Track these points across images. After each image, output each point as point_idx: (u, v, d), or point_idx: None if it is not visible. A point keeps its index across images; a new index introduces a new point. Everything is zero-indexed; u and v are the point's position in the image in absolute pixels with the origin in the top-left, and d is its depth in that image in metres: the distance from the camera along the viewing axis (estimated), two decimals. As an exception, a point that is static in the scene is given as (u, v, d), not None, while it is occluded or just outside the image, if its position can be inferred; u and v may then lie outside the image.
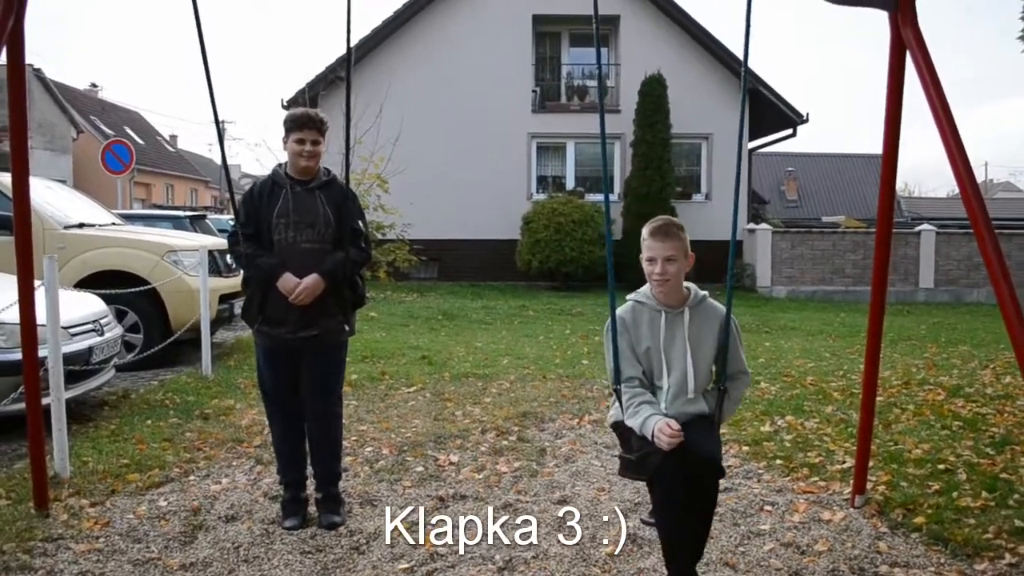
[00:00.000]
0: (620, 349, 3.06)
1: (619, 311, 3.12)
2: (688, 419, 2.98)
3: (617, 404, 3.10)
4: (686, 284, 3.12)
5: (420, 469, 4.74)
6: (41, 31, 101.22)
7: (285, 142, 3.89)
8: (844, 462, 4.79)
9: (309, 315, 3.82)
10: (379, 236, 15.58)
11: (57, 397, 4.49)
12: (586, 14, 18.26)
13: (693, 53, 18.85)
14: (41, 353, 4.06)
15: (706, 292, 3.18)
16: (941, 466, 4.71)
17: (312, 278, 3.77)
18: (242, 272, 4.01)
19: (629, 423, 3.00)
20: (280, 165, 4.02)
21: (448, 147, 18.36)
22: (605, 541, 3.71)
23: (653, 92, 17.63)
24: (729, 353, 3.09)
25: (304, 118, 3.87)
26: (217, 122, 3.82)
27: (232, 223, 4.04)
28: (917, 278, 17.68)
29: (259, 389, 4.17)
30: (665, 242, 3.02)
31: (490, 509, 4.02)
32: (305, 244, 3.83)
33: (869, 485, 4.26)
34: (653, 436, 2.87)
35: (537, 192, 19.28)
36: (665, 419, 2.89)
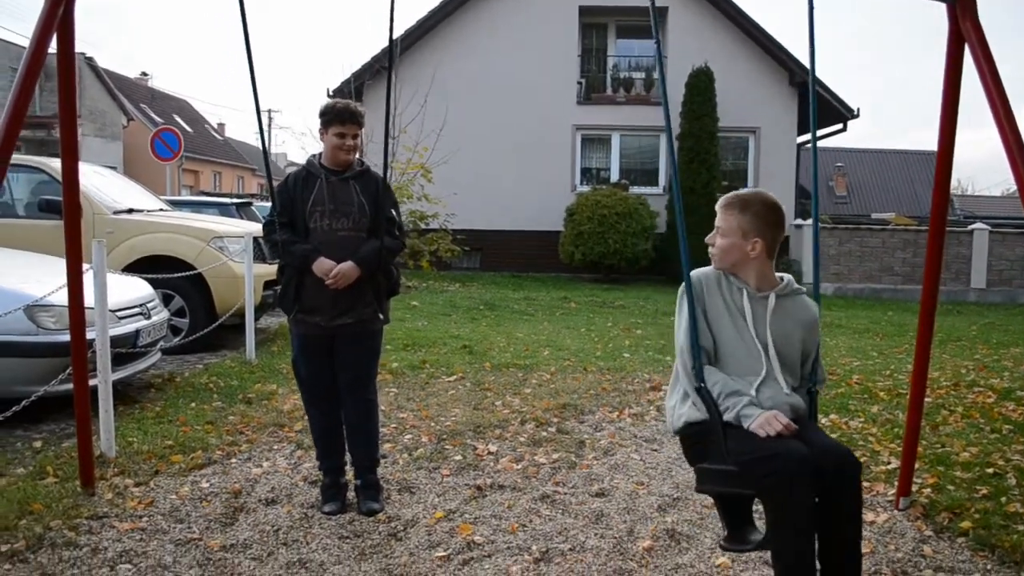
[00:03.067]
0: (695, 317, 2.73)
1: (696, 272, 2.82)
2: (791, 418, 2.66)
3: (689, 401, 2.76)
4: (779, 274, 2.91)
5: (459, 458, 4.75)
6: (94, 21, 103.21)
7: (323, 133, 3.93)
8: (889, 463, 4.69)
9: (344, 302, 3.85)
10: (422, 226, 15.65)
11: (104, 379, 4.57)
12: (632, 5, 18.14)
13: (741, 45, 18.61)
14: (89, 335, 4.15)
15: (802, 288, 2.94)
16: (990, 470, 4.59)
17: (348, 264, 3.79)
18: (279, 260, 4.04)
19: (727, 416, 2.65)
20: (315, 155, 4.05)
21: (492, 138, 18.37)
22: (643, 535, 3.69)
23: (700, 85, 17.43)
24: (815, 350, 2.90)
25: (346, 112, 3.89)
26: (258, 109, 3.83)
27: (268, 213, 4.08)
28: (969, 277, 17.28)
29: (295, 378, 4.19)
30: (719, 212, 2.87)
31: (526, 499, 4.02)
32: (341, 232, 3.87)
33: (915, 487, 4.17)
34: (754, 427, 2.58)
35: (581, 184, 19.20)
36: (773, 411, 2.61)
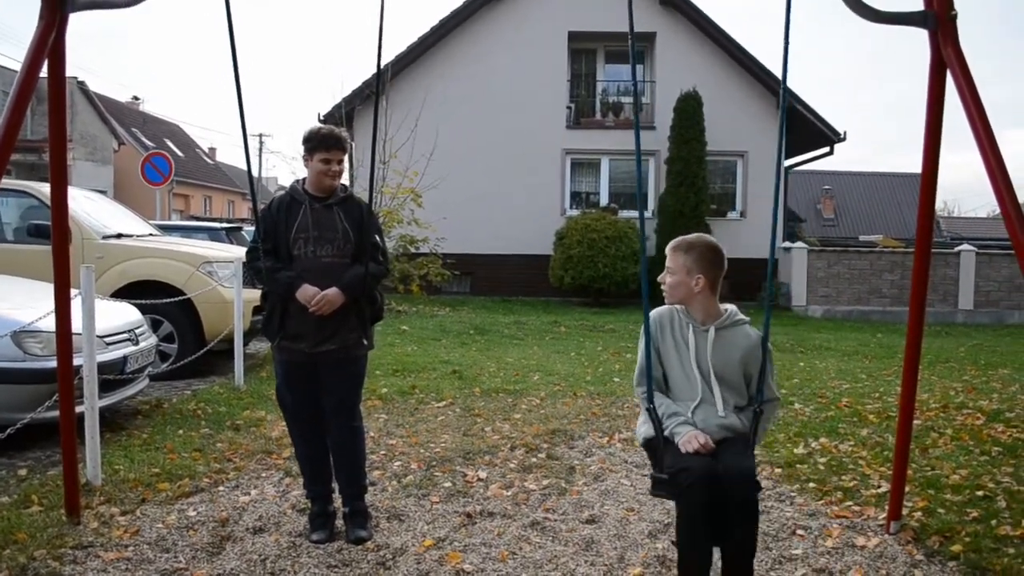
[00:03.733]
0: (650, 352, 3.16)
1: (653, 312, 3.23)
2: (720, 436, 3.05)
3: (648, 421, 3.15)
4: (723, 305, 3.23)
5: (448, 485, 4.72)
6: (86, 45, 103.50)
7: (308, 160, 3.89)
8: (879, 487, 4.69)
9: (328, 329, 3.84)
10: (412, 250, 15.65)
11: (91, 405, 4.54)
12: (622, 31, 18.20)
13: (729, 70, 18.77)
14: (76, 362, 4.12)
15: (745, 318, 3.25)
16: (980, 493, 4.59)
17: (332, 290, 3.78)
18: (262, 287, 4.01)
19: (666, 432, 3.08)
20: (298, 181, 4.04)
21: (482, 162, 18.44)
22: (633, 562, 3.67)
23: (688, 109, 17.57)
24: (756, 375, 3.16)
25: (331, 138, 3.87)
26: (244, 134, 3.83)
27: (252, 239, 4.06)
28: (956, 299, 17.38)
29: (279, 406, 4.15)
30: (668, 253, 3.23)
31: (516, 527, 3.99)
32: (325, 259, 3.85)
33: (905, 511, 4.17)
34: (680, 443, 3.00)
35: (571, 208, 19.26)
36: (696, 431, 3.02)
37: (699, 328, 3.17)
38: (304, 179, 3.99)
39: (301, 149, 3.91)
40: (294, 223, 3.85)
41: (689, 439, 2.98)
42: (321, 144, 3.84)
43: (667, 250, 3.23)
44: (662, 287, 3.23)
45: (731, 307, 3.24)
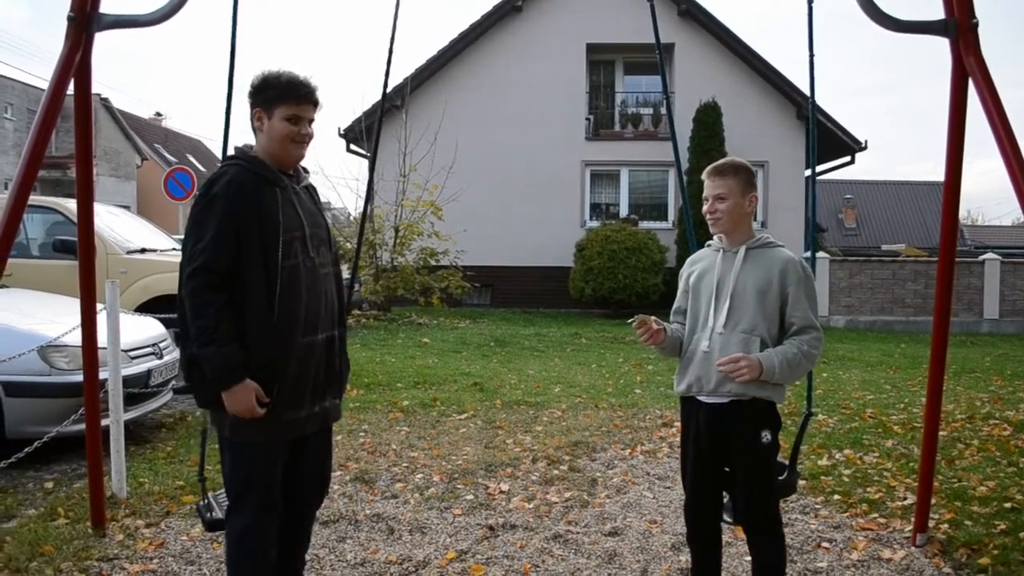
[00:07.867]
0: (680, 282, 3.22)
1: (691, 257, 3.27)
2: (724, 355, 2.90)
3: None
4: (758, 230, 3.11)
5: (470, 497, 4.72)
6: (109, 62, 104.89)
7: (262, 118, 2.71)
8: (905, 498, 4.64)
9: (329, 377, 2.90)
10: (433, 263, 15.71)
11: (116, 419, 4.58)
12: (639, 42, 18.29)
13: (748, 80, 18.73)
14: (102, 375, 4.16)
15: (779, 243, 3.10)
16: (1007, 504, 4.53)
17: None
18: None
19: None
20: (248, 147, 2.80)
21: (502, 174, 18.47)
22: (657, 575, 3.65)
23: (708, 119, 17.53)
24: (790, 302, 2.94)
25: (299, 86, 2.70)
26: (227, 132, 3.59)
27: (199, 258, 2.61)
28: (981, 308, 17.18)
29: (257, 509, 2.86)
30: (714, 180, 3.07)
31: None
32: (323, 269, 2.79)
33: (931, 523, 4.12)
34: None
35: (591, 219, 19.25)
36: (644, 316, 3.06)
37: (729, 250, 3.05)
38: (251, 146, 2.80)
39: (247, 105, 2.75)
40: (276, 216, 2.64)
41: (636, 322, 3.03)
42: (287, 93, 2.67)
43: (707, 177, 3.08)
44: (712, 217, 3.07)
45: (766, 231, 3.13)
